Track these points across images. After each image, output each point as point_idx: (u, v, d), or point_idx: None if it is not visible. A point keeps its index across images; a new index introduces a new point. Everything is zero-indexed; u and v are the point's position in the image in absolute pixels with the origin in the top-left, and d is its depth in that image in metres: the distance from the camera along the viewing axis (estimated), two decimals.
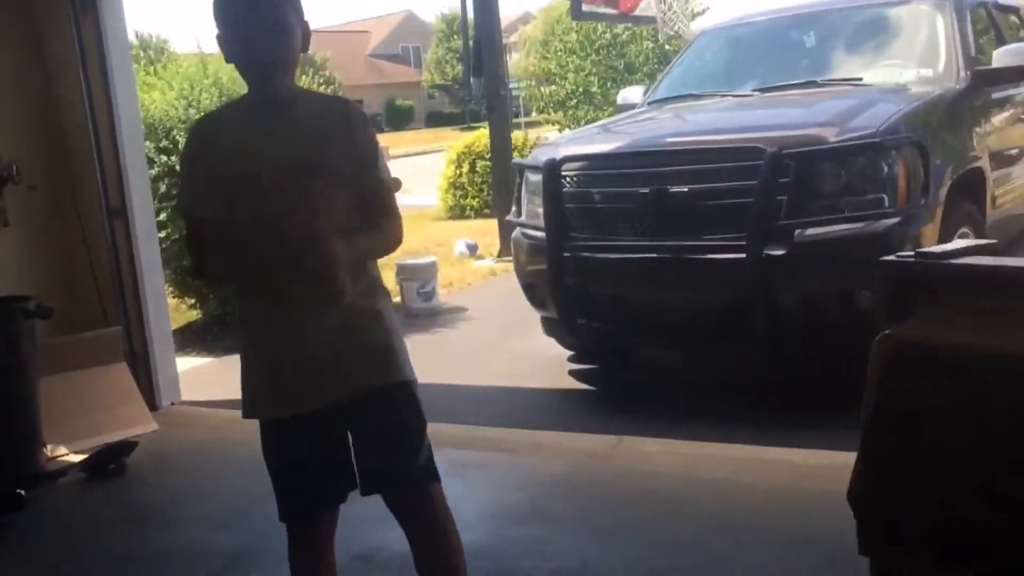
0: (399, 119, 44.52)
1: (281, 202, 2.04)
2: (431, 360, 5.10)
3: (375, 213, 2.18)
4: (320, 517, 2.25)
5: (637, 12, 11.61)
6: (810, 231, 4.10)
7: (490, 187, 12.15)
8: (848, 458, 3.60)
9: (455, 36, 43.46)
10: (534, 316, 5.29)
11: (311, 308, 2.08)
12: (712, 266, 4.31)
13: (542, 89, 18.46)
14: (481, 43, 9.95)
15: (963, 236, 4.53)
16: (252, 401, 2.17)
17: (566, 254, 4.68)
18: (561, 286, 4.72)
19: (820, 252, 4.09)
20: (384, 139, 11.68)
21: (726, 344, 4.57)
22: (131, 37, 6.59)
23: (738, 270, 4.17)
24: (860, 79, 5.08)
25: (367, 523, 3.27)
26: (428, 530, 2.22)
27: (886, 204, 4.06)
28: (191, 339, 6.88)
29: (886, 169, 4.08)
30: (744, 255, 4.14)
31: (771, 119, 4.83)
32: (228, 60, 2.11)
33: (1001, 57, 5.08)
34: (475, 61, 10.06)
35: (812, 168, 4.13)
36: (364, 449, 2.18)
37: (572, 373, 5.32)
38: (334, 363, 2.10)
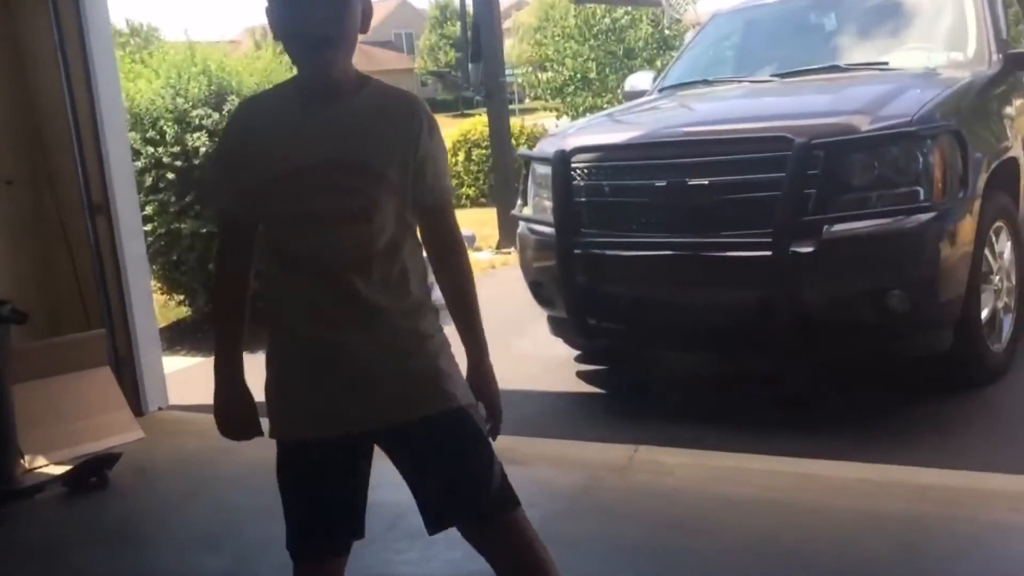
0: None
1: (323, 204, 1.81)
2: None
3: (445, 244, 2.05)
4: (334, 555, 2.01)
5: None
6: (840, 226, 3.86)
7: (486, 176, 11.92)
8: (880, 471, 3.42)
9: (448, 22, 43.21)
10: (537, 313, 5.04)
11: (348, 324, 1.85)
12: (734, 263, 4.07)
13: (539, 75, 18.12)
14: (479, 28, 9.69)
15: (998, 231, 4.30)
16: (279, 420, 1.94)
17: (576, 251, 4.42)
18: (571, 284, 4.46)
19: (850, 249, 3.85)
20: None
21: (747, 346, 4.31)
22: (122, 25, 6.33)
23: (762, 268, 3.94)
24: (886, 63, 4.82)
25: (372, 548, 3.05)
26: (514, 563, 1.96)
27: (921, 198, 3.82)
28: (180, 337, 6.62)
29: (922, 160, 3.83)
30: (768, 252, 3.90)
31: (796, 106, 4.57)
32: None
33: None
34: (473, 47, 9.80)
35: (843, 159, 3.88)
36: (422, 483, 1.93)
37: (580, 375, 5.06)
38: (373, 387, 1.87)
